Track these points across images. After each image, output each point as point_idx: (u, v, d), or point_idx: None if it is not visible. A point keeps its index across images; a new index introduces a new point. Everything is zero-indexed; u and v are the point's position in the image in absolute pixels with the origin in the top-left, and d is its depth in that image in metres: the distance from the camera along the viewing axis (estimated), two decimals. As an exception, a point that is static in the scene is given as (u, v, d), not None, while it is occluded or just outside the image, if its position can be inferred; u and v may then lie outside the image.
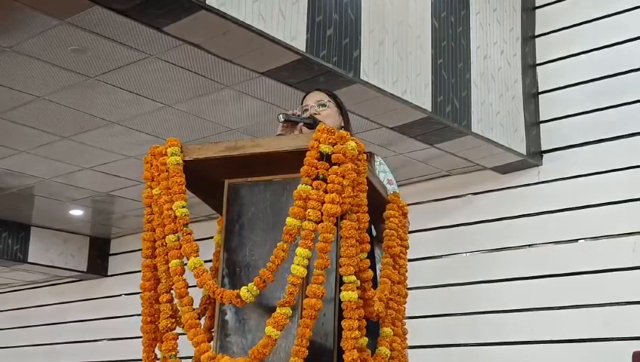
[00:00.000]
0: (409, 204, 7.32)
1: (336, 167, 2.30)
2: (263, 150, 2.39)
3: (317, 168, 2.30)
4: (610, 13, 6.34)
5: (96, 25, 4.53)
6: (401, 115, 5.44)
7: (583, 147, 6.28)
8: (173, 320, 2.39)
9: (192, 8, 4.11)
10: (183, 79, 5.28)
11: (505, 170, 6.54)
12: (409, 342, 7.16)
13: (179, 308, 2.37)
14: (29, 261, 9.26)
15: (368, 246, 2.36)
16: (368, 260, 2.36)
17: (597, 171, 6.16)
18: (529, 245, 6.40)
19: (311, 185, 2.29)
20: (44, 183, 7.64)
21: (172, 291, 2.42)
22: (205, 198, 2.72)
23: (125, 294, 9.66)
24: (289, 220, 2.27)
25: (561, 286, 6.15)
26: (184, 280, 2.37)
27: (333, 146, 2.31)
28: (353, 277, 2.28)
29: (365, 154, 3.24)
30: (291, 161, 2.39)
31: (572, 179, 6.29)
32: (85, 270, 9.94)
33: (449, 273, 6.81)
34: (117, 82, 5.32)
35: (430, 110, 5.43)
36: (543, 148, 6.45)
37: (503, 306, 6.41)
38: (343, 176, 2.29)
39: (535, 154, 6.39)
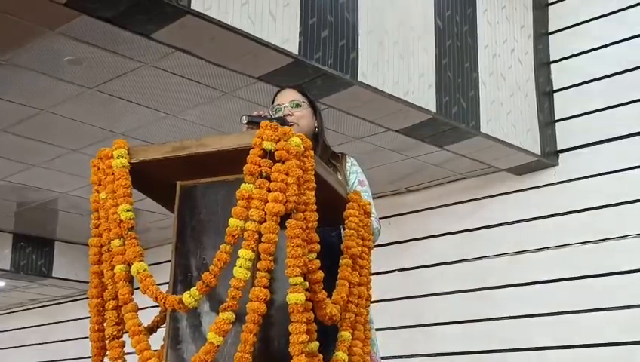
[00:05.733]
0: (425, 209, 7.24)
1: (279, 164, 2.21)
2: (207, 149, 2.31)
3: (260, 166, 2.21)
4: (625, 6, 6.15)
5: (87, 34, 4.50)
6: (404, 116, 5.32)
7: (601, 145, 6.09)
8: (119, 328, 2.32)
9: (176, 14, 4.03)
10: (182, 88, 5.24)
11: (520, 171, 6.37)
12: (427, 349, 7.04)
13: (123, 314, 2.29)
14: (53, 275, 9.32)
15: (318, 247, 2.26)
16: (318, 261, 2.26)
17: (615, 169, 5.97)
18: (548, 247, 6.22)
19: (254, 184, 2.20)
20: (62, 197, 7.67)
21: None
22: (162, 202, 2.65)
23: (151, 307, 9.63)
24: (231, 221, 2.18)
25: (581, 288, 5.96)
26: (128, 286, 2.30)
27: (276, 143, 2.22)
28: (300, 279, 2.18)
29: (339, 155, 3.19)
30: (242, 159, 2.30)
31: (590, 179, 6.11)
32: (112, 284, 9.95)
33: (468, 277, 6.65)
34: (116, 92, 5.29)
35: (435, 111, 5.30)
36: (559, 147, 6.28)
37: (523, 311, 6.24)
38: (287, 174, 2.20)
39: (550, 154, 6.22)
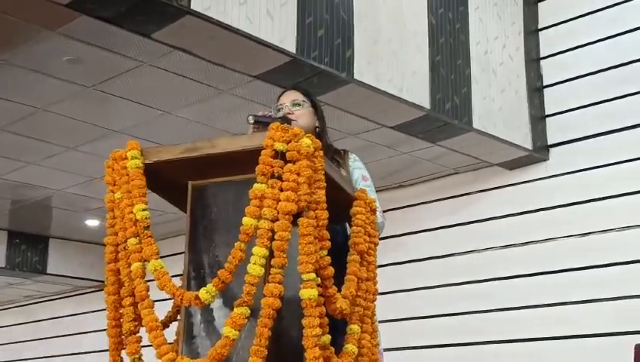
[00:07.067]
0: (418, 204, 7.31)
1: (291, 164, 2.28)
2: (219, 150, 2.38)
3: (272, 166, 2.28)
4: (613, 3, 6.26)
5: (87, 34, 4.56)
6: (399, 113, 5.41)
7: (591, 139, 6.21)
8: (136, 323, 2.39)
9: (176, 14, 4.12)
10: (179, 86, 5.29)
11: (512, 165, 6.48)
12: (420, 342, 7.11)
13: (140, 310, 2.36)
14: (48, 272, 9.36)
15: (328, 244, 2.34)
16: (329, 257, 2.34)
17: (605, 163, 6.09)
18: (539, 241, 6.33)
19: (266, 184, 2.28)
20: (58, 194, 7.72)
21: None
22: (173, 201, 2.71)
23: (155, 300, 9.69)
24: (245, 220, 2.26)
25: (573, 281, 6.07)
26: (145, 283, 2.36)
27: (287, 144, 2.30)
28: (312, 275, 2.25)
29: (341, 151, 3.28)
30: (253, 160, 2.38)
31: (580, 173, 6.23)
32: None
33: (460, 271, 6.75)
34: (114, 91, 5.35)
35: (429, 107, 5.40)
36: (550, 142, 6.39)
37: (514, 303, 6.35)
38: (298, 174, 2.27)
39: (541, 149, 6.33)
